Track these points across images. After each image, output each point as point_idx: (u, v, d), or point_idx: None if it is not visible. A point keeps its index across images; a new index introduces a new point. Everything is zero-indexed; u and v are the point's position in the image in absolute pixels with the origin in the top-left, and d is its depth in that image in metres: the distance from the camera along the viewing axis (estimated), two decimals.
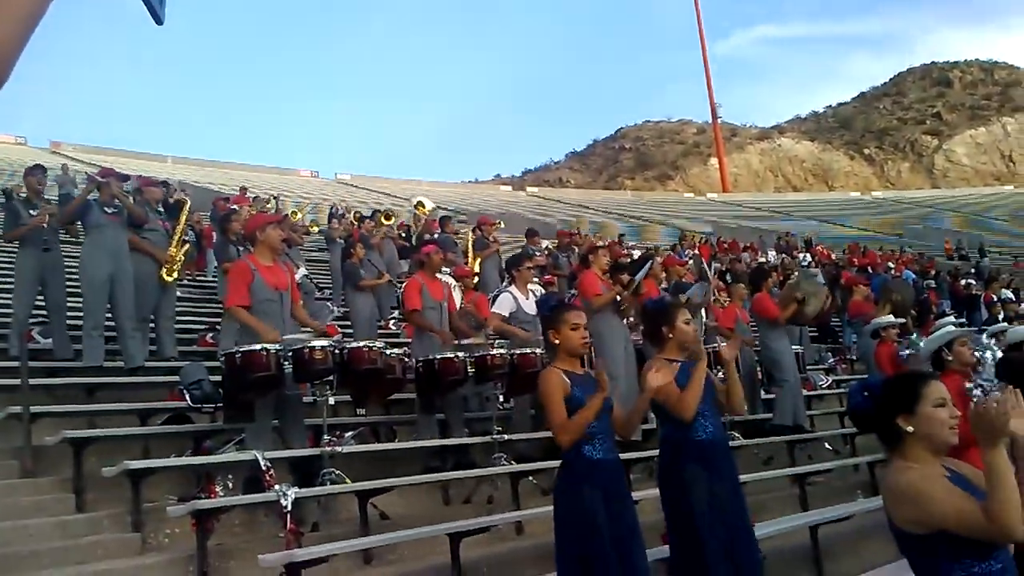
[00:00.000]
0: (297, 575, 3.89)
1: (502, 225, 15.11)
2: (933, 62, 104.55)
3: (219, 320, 8.39)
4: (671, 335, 4.11)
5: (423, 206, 15.10)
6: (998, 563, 2.27)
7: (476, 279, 10.35)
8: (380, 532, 4.94)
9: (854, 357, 12.59)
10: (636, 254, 15.23)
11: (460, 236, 14.17)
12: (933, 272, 22.67)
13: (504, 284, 9.14)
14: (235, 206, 10.25)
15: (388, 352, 6.21)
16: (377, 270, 10.35)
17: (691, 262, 14.50)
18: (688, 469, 3.90)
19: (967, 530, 2.17)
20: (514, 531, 5.56)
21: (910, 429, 2.35)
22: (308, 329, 6.01)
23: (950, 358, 4.81)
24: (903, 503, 2.30)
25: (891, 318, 7.77)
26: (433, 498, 6.09)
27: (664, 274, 9.55)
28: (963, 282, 19.21)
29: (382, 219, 14.70)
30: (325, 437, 5.61)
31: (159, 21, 1.19)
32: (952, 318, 8.52)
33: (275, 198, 20.34)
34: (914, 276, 20.02)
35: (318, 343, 5.72)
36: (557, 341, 3.77)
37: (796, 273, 14.62)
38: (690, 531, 3.85)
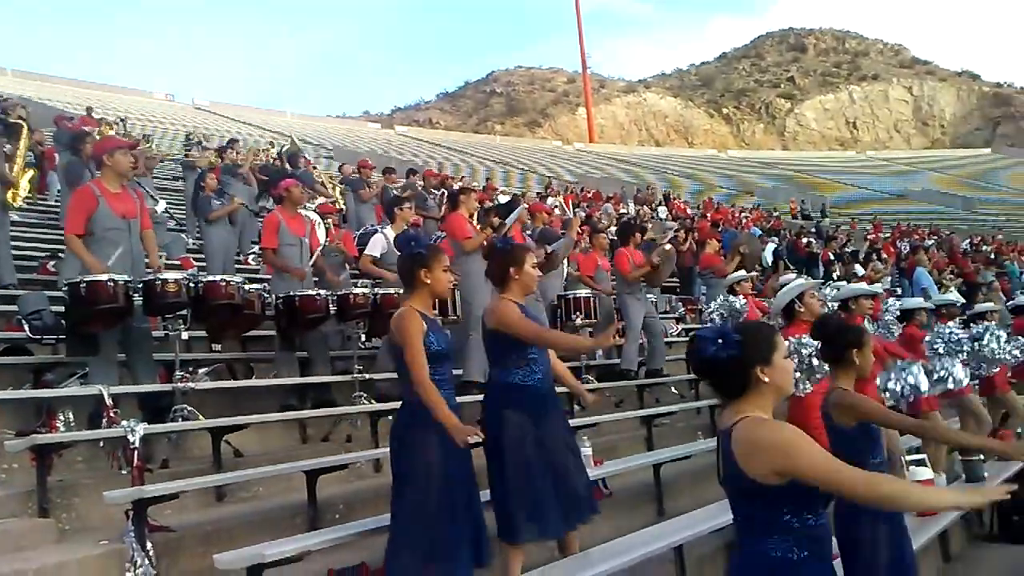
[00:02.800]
0: (144, 511, 3.78)
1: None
2: (791, 27, 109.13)
3: (62, 247, 7.89)
4: (517, 276, 4.10)
5: (293, 142, 14.68)
6: (824, 517, 2.42)
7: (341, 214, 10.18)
8: (234, 470, 4.87)
9: (702, 307, 13.25)
10: (503, 199, 15.32)
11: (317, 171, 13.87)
12: (780, 229, 24.03)
13: (380, 225, 9.02)
14: (86, 128, 9.58)
15: (246, 287, 6.04)
16: (230, 197, 9.94)
17: (553, 210, 14.75)
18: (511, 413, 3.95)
19: (832, 484, 2.24)
20: (372, 469, 5.61)
21: (766, 379, 2.38)
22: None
23: (801, 309, 5.19)
24: (766, 453, 2.29)
25: (743, 273, 8.20)
26: (291, 436, 6.04)
27: (530, 220, 9.68)
28: (804, 240, 20.51)
29: (260, 150, 14.18)
30: (178, 373, 5.43)
31: None
32: (793, 274, 9.11)
33: (122, 120, 19.06)
34: (760, 232, 21.19)
35: (171, 275, 5.50)
36: (428, 281, 3.76)
37: (651, 224, 15.14)
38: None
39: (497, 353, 4.09)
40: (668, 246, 9.50)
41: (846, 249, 20.35)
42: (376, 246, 7.45)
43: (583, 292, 8.23)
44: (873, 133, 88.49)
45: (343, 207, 12.26)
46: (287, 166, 13.91)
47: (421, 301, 3.78)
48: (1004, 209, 43.99)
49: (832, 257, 17.81)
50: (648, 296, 9.28)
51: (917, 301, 7.46)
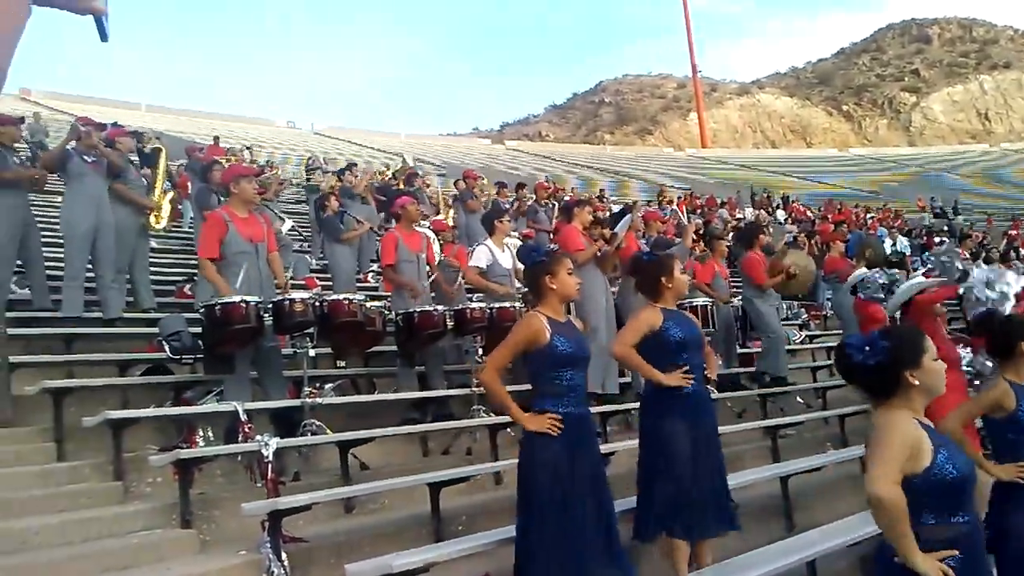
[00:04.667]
0: (279, 523, 3.94)
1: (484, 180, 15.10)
2: (912, 19, 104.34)
3: (196, 271, 8.34)
4: (670, 285, 4.23)
5: (405, 161, 15.04)
6: (966, 518, 2.38)
7: (455, 231, 10.34)
8: (361, 482, 5.01)
9: (828, 313, 12.76)
10: (615, 208, 15.24)
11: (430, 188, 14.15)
12: (906, 229, 22.91)
13: (482, 238, 9.15)
14: (215, 157, 10.14)
15: (367, 305, 6.23)
16: (356, 220, 10.29)
17: (670, 218, 14.55)
18: (671, 420, 4.06)
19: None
20: (492, 481, 5.65)
21: (916, 382, 2.42)
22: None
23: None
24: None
25: (866, 271, 7.83)
26: (412, 449, 6.16)
27: (643, 228, 9.58)
28: (937, 239, 19.46)
29: (376, 172, 14.60)
30: (306, 389, 5.64)
31: (104, 39, 1.24)
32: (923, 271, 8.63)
33: (248, 148, 20.05)
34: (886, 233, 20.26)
35: (298, 295, 5.73)
36: (554, 286, 3.80)
37: (780, 238, 14.71)
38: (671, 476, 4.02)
39: (651, 361, 4.13)
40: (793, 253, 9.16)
41: (983, 247, 19.16)
42: (480, 258, 7.49)
43: (700, 300, 8.08)
44: (1007, 124, 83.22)
45: (454, 224, 12.48)
46: (402, 185, 14.28)
47: (550, 307, 3.81)
48: None
49: (968, 256, 16.79)
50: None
51: None
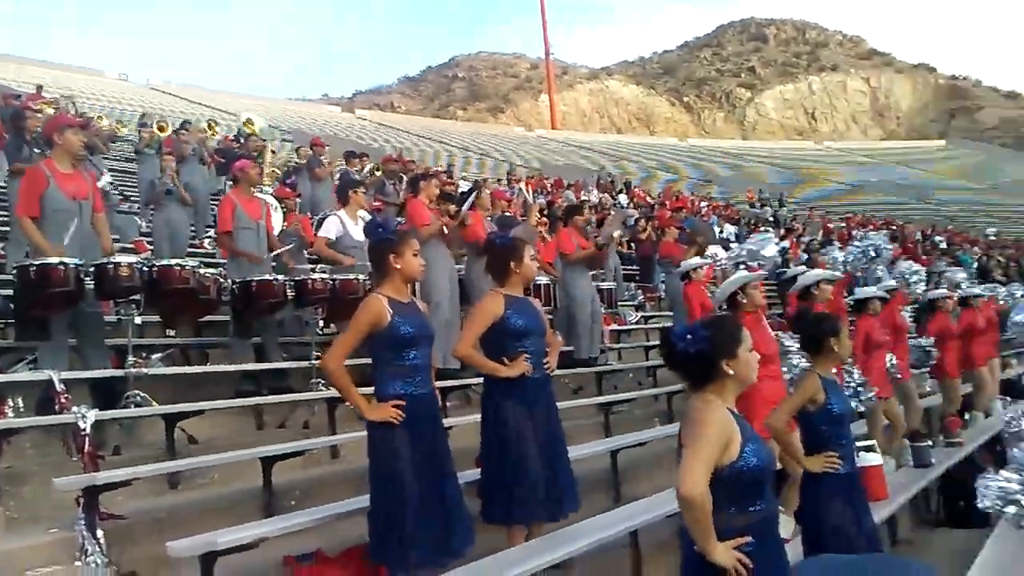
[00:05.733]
0: (96, 499, 3.72)
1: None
2: (752, 17, 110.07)
3: (8, 229, 7.70)
4: (518, 271, 4.23)
5: (251, 123, 14.37)
6: (763, 506, 2.54)
7: (298, 199, 10.04)
8: (188, 457, 4.81)
9: (662, 295, 13.37)
10: (464, 185, 15.28)
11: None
12: (735, 218, 24.29)
13: (329, 208, 8.94)
14: (30, 104, 9.34)
15: (202, 272, 5.95)
16: (176, 183, 9.77)
17: (516, 197, 14.75)
18: (510, 405, 4.11)
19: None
20: (329, 455, 5.58)
21: (731, 372, 2.54)
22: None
23: (744, 300, 5.25)
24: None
25: (699, 260, 8.24)
26: (246, 424, 5.98)
27: (490, 207, 9.66)
28: (762, 229, 20.76)
29: (206, 128, 13.88)
30: (130, 358, 5.34)
31: None
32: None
33: (70, 100, 18.48)
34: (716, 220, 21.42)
35: (124, 259, 5.40)
36: (399, 265, 3.75)
37: (612, 212, 15.20)
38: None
39: (490, 346, 4.15)
40: (617, 233, 9.50)
41: (803, 239, 20.65)
42: (331, 229, 7.33)
43: (542, 280, 8.24)
44: (831, 124, 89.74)
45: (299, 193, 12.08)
46: (244, 148, 13.70)
47: (392, 286, 3.76)
48: (957, 200, 44.94)
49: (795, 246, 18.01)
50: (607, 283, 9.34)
51: (869, 290, 7.60)
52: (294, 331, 7.22)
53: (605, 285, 9.66)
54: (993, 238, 29.85)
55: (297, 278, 6.55)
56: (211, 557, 3.38)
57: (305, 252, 8.29)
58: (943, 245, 24.35)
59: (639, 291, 13.97)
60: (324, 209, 10.06)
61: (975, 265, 20.96)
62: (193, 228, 10.64)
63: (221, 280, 6.28)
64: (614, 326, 10.30)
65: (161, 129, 12.83)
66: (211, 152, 12.57)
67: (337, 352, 3.69)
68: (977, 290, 9.33)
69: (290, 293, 6.40)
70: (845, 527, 3.64)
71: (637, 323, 11.81)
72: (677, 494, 2.43)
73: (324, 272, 6.76)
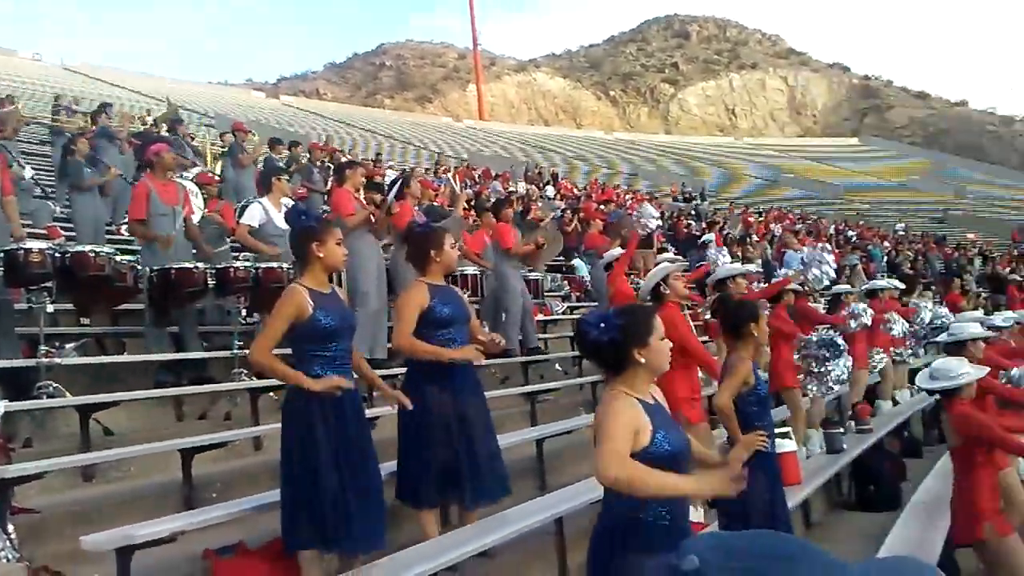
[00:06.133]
0: (6, 493, 3.59)
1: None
2: (675, 14, 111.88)
3: None
4: (438, 259, 4.22)
5: (171, 105, 13.96)
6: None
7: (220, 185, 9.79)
8: (103, 449, 4.67)
9: (588, 286, 13.52)
10: (391, 174, 15.14)
11: (195, 140, 13.30)
12: (660, 211, 24.70)
13: (252, 195, 8.75)
14: None
15: (118, 259, 5.77)
16: (105, 166, 9.44)
17: (444, 187, 14.73)
18: (432, 391, 4.14)
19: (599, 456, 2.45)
20: (251, 447, 5.49)
21: (643, 360, 2.57)
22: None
23: (667, 291, 5.36)
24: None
25: (620, 250, 8.34)
26: (165, 415, 5.83)
27: (419, 196, 9.60)
28: (685, 223, 21.18)
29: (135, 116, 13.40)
30: (42, 348, 5.15)
31: None
32: (671, 254, 9.37)
33: None
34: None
35: (35, 245, 5.20)
36: (321, 254, 3.70)
37: (541, 203, 15.29)
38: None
39: (415, 335, 4.13)
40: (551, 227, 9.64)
41: (723, 232, 21.10)
42: (254, 216, 7.16)
43: (470, 269, 8.25)
44: (751, 120, 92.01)
45: (221, 177, 11.81)
46: (164, 133, 13.30)
47: (313, 276, 3.71)
48: (869, 196, 46.68)
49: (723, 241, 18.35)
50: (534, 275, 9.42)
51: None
52: (215, 320, 7.06)
53: (532, 276, 9.73)
54: (902, 233, 31.09)
55: (219, 266, 6.41)
56: (128, 551, 3.29)
57: (227, 240, 8.10)
58: (855, 240, 25.25)
59: (565, 282, 14.10)
60: (248, 196, 9.84)
61: (884, 259, 21.83)
62: (110, 222, 10.28)
63: (138, 268, 6.10)
64: (540, 316, 10.38)
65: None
66: (128, 137, 12.14)
67: (262, 344, 3.65)
68: (882, 283, 9.71)
69: (211, 282, 6.26)
70: (766, 505, 3.77)
71: (563, 313, 11.92)
72: (603, 483, 2.48)
73: (247, 260, 6.63)
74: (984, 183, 50.94)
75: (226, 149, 12.69)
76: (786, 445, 5.36)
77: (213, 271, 6.29)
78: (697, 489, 2.63)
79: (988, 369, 4.62)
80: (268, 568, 3.80)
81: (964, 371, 4.28)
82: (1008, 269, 21.44)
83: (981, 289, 15.90)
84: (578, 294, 13.73)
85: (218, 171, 11.58)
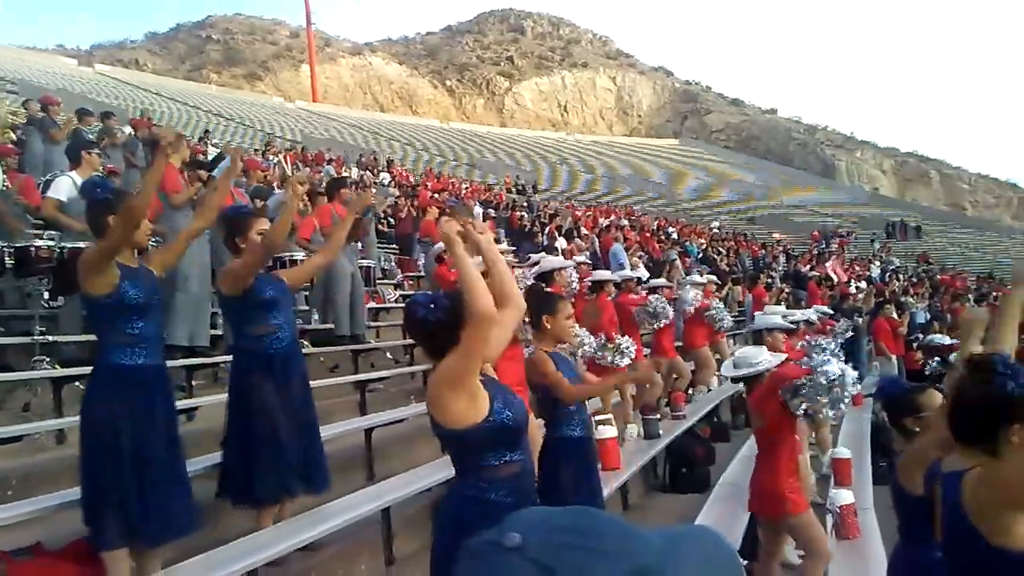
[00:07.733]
0: None
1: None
2: (511, 8, 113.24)
3: None
4: (243, 245, 4.16)
5: None
6: (520, 456, 2.69)
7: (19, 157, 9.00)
8: None
9: (421, 274, 13.49)
10: (212, 151, 14.44)
11: None
12: (498, 203, 25.04)
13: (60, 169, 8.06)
14: None
15: None
16: None
17: (274, 168, 14.25)
18: (257, 377, 4.01)
19: None
20: (54, 440, 5.08)
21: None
22: None
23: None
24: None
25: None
26: None
27: (245, 177, 9.22)
28: (518, 215, 21.56)
29: None
30: None
31: None
32: (504, 245, 9.54)
33: None
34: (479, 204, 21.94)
35: None
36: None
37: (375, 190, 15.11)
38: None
39: (235, 318, 3.97)
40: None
41: (555, 224, 21.66)
42: (61, 190, 6.61)
43: (299, 255, 8.01)
44: (581, 117, 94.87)
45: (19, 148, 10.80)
46: None
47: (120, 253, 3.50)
48: (688, 195, 49.41)
49: (556, 234, 18.78)
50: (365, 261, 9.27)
51: (605, 274, 8.27)
52: (14, 303, 6.47)
53: (364, 263, 9.58)
54: (716, 231, 33.10)
55: (18, 244, 5.88)
56: None
57: (29, 217, 7.46)
58: (674, 236, 26.63)
59: (398, 269, 14.00)
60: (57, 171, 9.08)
61: (700, 255, 23.18)
62: None
63: None
64: (372, 304, 10.25)
65: None
66: None
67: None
68: (700, 279, 10.35)
69: (9, 262, 5.73)
70: (574, 486, 3.88)
71: (396, 301, 11.83)
72: (479, 317, 2.50)
73: (51, 239, 6.11)
74: (789, 187, 55.11)
75: (28, 121, 11.59)
76: (606, 432, 5.59)
77: (11, 250, 5.76)
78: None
79: (785, 356, 4.99)
80: (72, 570, 3.54)
81: (763, 358, 4.62)
82: (808, 267, 23.32)
83: (784, 285, 17.18)
84: (411, 282, 13.68)
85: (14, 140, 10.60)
